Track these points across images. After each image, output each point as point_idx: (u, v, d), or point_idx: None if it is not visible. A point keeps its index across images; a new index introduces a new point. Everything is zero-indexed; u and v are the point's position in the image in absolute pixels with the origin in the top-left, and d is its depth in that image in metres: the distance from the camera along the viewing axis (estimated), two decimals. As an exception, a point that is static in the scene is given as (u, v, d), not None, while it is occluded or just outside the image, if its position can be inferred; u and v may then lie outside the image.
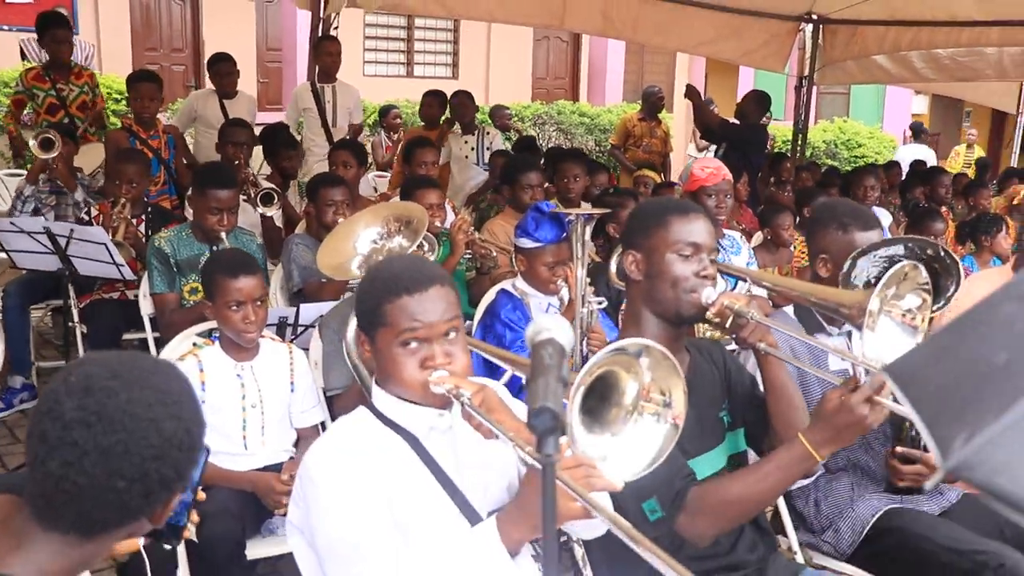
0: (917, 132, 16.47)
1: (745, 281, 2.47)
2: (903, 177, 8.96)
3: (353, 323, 2.50)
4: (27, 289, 5.13)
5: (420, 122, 10.22)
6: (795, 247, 5.62)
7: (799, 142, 10.48)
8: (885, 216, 6.90)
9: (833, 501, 2.81)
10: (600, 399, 1.79)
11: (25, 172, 6.41)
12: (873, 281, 2.60)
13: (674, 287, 2.29)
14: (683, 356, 2.40)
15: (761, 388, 2.38)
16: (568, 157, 6.34)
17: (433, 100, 8.16)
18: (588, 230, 3.52)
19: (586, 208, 5.29)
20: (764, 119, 13.07)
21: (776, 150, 11.79)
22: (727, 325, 2.21)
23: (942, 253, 2.56)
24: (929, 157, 14.76)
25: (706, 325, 2.43)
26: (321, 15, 7.37)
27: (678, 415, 1.79)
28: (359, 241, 3.31)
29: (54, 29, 6.46)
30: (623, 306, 3.88)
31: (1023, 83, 11.08)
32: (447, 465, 1.99)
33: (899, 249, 2.63)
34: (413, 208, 3.42)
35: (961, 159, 15.27)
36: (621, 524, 1.50)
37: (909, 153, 14.63)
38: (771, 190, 8.06)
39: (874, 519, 2.71)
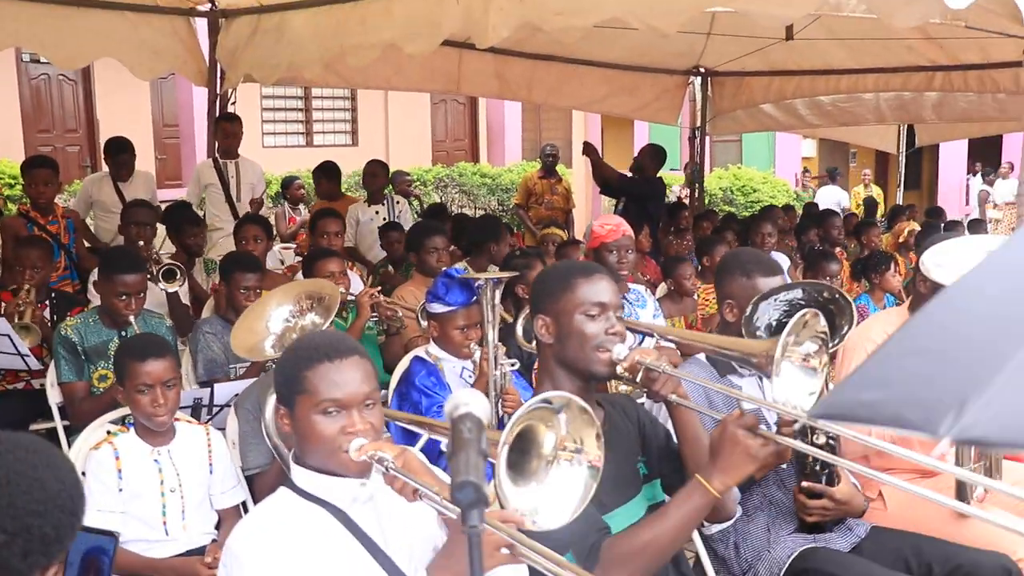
0: (832, 175, 17.30)
1: (652, 336, 2.57)
2: (798, 220, 9.31)
3: (272, 402, 2.52)
4: None
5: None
6: (698, 295, 5.78)
7: (695, 191, 10.80)
8: (783, 260, 7.15)
9: (751, 544, 2.90)
10: (520, 453, 1.85)
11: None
12: (775, 324, 2.73)
13: (584, 346, 2.37)
14: (597, 411, 2.47)
15: (675, 440, 2.47)
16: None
17: (319, 175, 8.23)
18: (498, 293, 3.61)
19: (494, 272, 5.39)
20: (684, 170, 13.43)
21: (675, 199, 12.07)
22: (638, 379, 2.30)
23: (836, 295, 2.72)
24: (843, 198, 15.49)
25: (618, 381, 2.51)
26: (218, 91, 7.37)
27: (594, 458, 1.87)
28: (272, 320, 3.34)
29: None
30: (536, 366, 3.97)
31: (900, 126, 11.65)
32: (373, 533, 2.01)
33: (798, 293, 2.78)
34: (324, 285, 3.47)
35: (861, 198, 15.98)
36: (551, 557, 1.57)
37: (827, 195, 15.33)
38: (670, 239, 8.28)
39: (789, 560, 2.80)
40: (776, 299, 2.71)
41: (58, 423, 4.30)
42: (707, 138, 10.78)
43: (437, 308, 3.81)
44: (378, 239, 7.52)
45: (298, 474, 2.05)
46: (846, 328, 2.66)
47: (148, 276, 5.18)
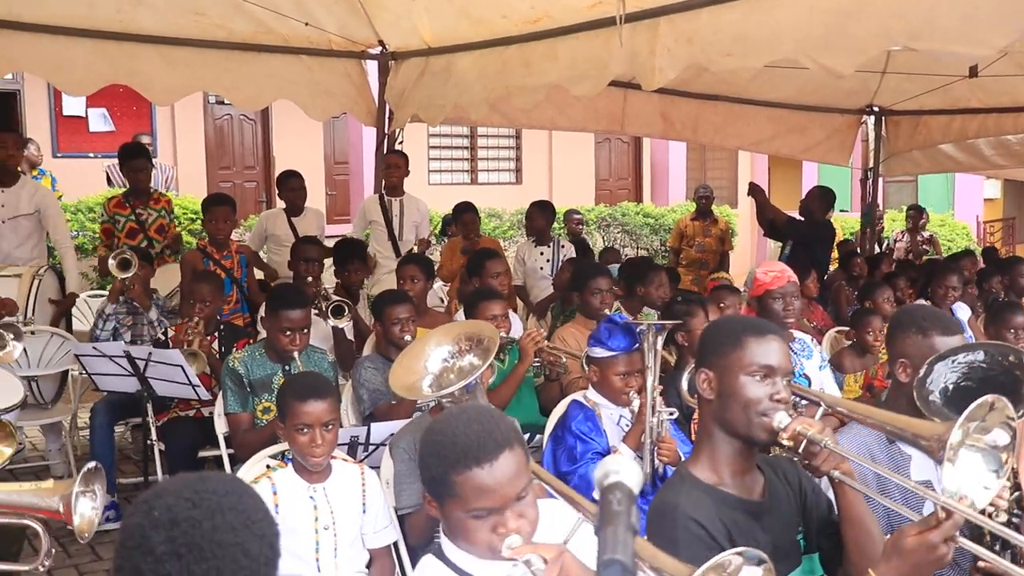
0: None
1: (819, 405, 2.41)
2: (979, 267, 8.76)
3: None
4: (113, 408, 5.26)
5: (485, 231, 10.32)
6: (883, 354, 5.42)
7: (868, 234, 10.36)
8: (964, 310, 6.74)
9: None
10: None
11: (106, 293, 6.66)
12: (951, 388, 2.53)
13: (746, 409, 2.23)
14: (756, 476, 2.34)
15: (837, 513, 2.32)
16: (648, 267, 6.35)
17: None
18: (660, 340, 3.52)
19: (653, 317, 5.28)
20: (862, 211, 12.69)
21: (845, 239, 11.55)
22: (800, 451, 2.16)
23: (1024, 360, 2.48)
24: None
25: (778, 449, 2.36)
26: (386, 131, 7.57)
27: None
28: (430, 360, 3.32)
29: (132, 160, 6.76)
30: (695, 420, 3.84)
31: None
32: None
33: (979, 355, 2.55)
34: (484, 327, 3.43)
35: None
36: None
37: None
38: (840, 285, 7.94)
39: (967, 642, 2.58)
40: (954, 360, 2.50)
41: (223, 451, 4.44)
42: (880, 179, 10.35)
43: (598, 352, 3.76)
44: (540, 280, 7.51)
45: (448, 547, 1.99)
46: (1033, 399, 2.41)
47: (317, 312, 5.35)
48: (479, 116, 7.58)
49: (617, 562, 1.05)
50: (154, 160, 10.53)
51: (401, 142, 7.74)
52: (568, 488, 2.38)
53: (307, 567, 3.13)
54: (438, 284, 8.06)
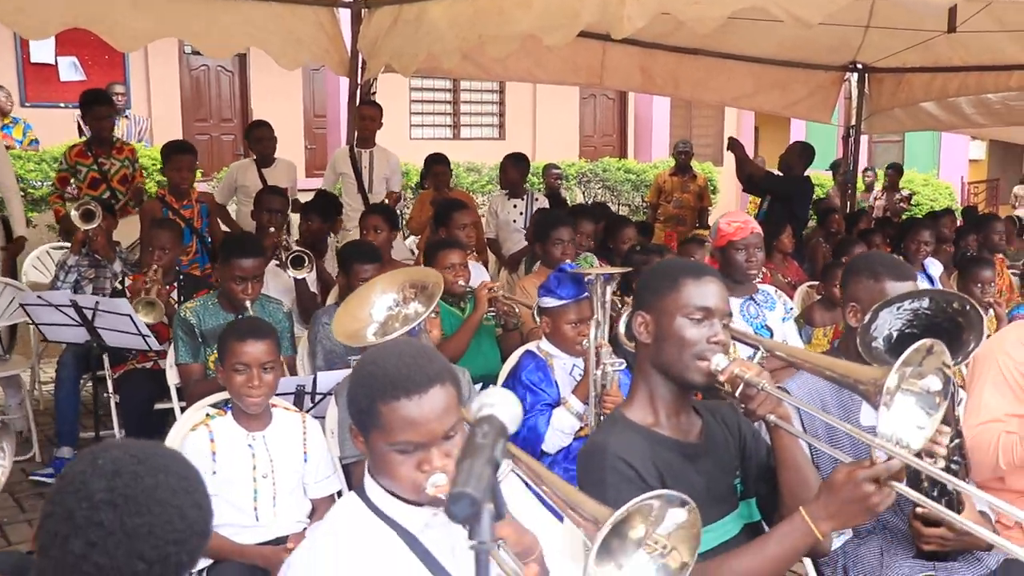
0: None
1: (758, 349, 2.35)
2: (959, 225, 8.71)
3: None
4: (79, 361, 5.16)
5: (464, 185, 10.17)
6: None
7: (847, 192, 10.30)
8: (936, 266, 6.71)
9: (862, 568, 2.65)
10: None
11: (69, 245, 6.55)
12: (895, 336, 2.47)
13: (682, 352, 2.18)
14: (693, 419, 2.30)
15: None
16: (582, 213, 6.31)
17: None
18: (608, 290, 3.46)
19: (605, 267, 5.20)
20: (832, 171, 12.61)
21: (820, 196, 11.48)
22: (736, 394, 2.10)
23: (968, 307, 2.42)
24: None
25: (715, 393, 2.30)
26: (359, 81, 7.43)
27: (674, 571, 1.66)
28: (375, 308, 3.26)
29: (95, 107, 6.60)
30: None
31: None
32: (446, 560, 1.87)
33: (924, 302, 2.49)
34: (429, 273, 3.38)
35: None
36: None
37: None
38: (817, 242, 7.90)
39: (905, 588, 2.54)
40: (899, 307, 2.44)
41: (175, 403, 4.36)
42: (864, 137, 10.26)
43: (549, 302, 3.71)
44: (513, 233, 7.44)
45: (371, 488, 1.91)
46: (972, 345, 2.35)
47: (278, 264, 5.26)
48: (452, 66, 7.42)
49: (467, 496, 0.99)
50: (127, 112, 10.44)
51: (374, 93, 7.60)
52: None
53: (244, 516, 3.07)
54: (411, 238, 7.97)
